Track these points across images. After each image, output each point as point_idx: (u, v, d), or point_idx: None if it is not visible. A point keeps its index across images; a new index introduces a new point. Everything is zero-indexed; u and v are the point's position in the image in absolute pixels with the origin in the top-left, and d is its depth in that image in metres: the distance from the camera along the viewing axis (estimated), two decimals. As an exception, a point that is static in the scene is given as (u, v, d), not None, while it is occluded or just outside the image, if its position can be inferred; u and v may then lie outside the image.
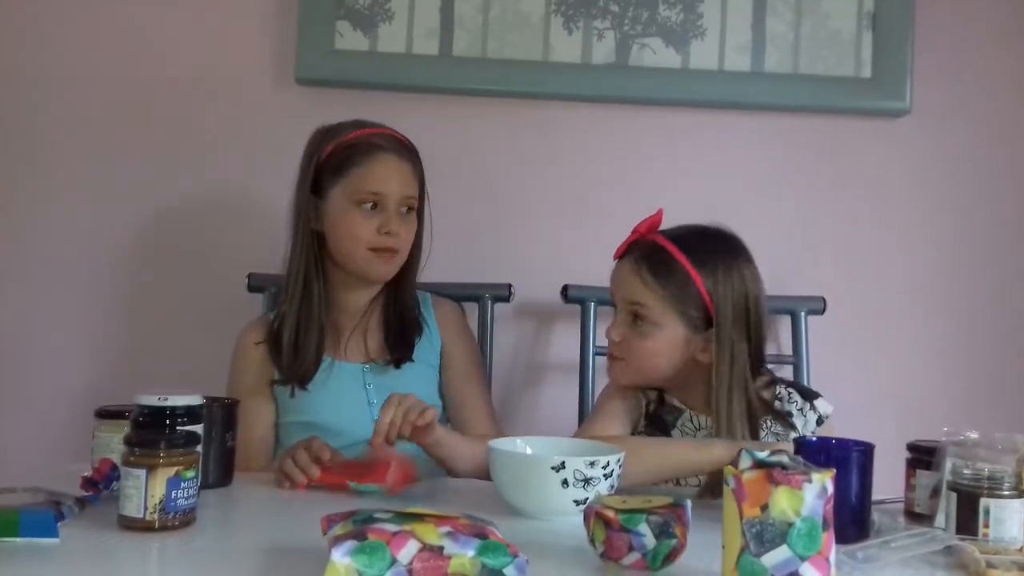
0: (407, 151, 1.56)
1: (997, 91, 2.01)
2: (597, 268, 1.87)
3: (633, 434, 1.45)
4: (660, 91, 1.94)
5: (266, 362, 1.54)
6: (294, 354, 1.51)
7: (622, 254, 1.46)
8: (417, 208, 1.58)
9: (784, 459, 0.86)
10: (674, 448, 1.34)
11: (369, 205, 1.51)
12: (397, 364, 1.54)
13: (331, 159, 1.54)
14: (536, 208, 1.97)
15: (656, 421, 1.46)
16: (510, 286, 1.82)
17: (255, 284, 1.80)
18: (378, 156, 1.52)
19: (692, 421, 1.45)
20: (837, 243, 1.99)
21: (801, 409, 1.46)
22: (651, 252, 1.41)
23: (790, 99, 1.95)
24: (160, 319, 1.93)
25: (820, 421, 1.46)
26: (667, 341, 1.41)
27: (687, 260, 1.40)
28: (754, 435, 1.38)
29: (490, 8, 1.92)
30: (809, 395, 1.49)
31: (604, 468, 1.12)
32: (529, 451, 1.23)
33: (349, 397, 1.53)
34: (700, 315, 1.40)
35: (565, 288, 1.82)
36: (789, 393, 1.48)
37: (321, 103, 1.92)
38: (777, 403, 1.46)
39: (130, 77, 1.93)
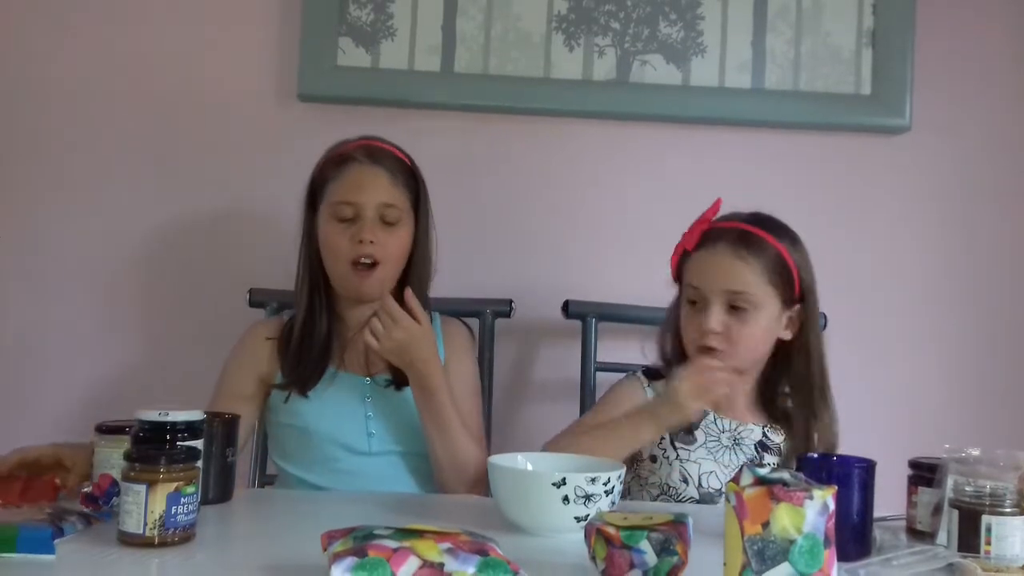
0: (386, 160, 1.54)
1: (997, 107, 2.02)
2: (598, 283, 1.88)
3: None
4: (661, 108, 1.94)
5: (271, 360, 1.54)
6: (297, 360, 1.52)
7: (700, 243, 1.47)
8: (416, 220, 1.56)
9: (785, 476, 0.86)
10: (612, 435, 1.38)
11: (346, 216, 1.50)
12: (399, 387, 1.53)
13: (318, 177, 1.56)
14: (537, 223, 1.97)
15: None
16: (511, 301, 1.82)
17: (256, 299, 1.80)
18: (349, 166, 1.52)
19: (716, 424, 1.47)
20: (838, 259, 1.99)
21: None
22: (743, 236, 1.44)
23: (790, 116, 1.96)
24: (161, 334, 1.93)
25: None
26: (767, 321, 1.44)
27: (774, 239, 1.45)
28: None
29: (492, 25, 1.93)
30: None
31: (605, 484, 1.12)
32: (530, 467, 1.23)
33: (347, 408, 1.53)
34: (790, 291, 1.45)
35: (566, 304, 1.82)
36: None
37: (323, 119, 1.93)
38: None
39: (133, 93, 1.94)
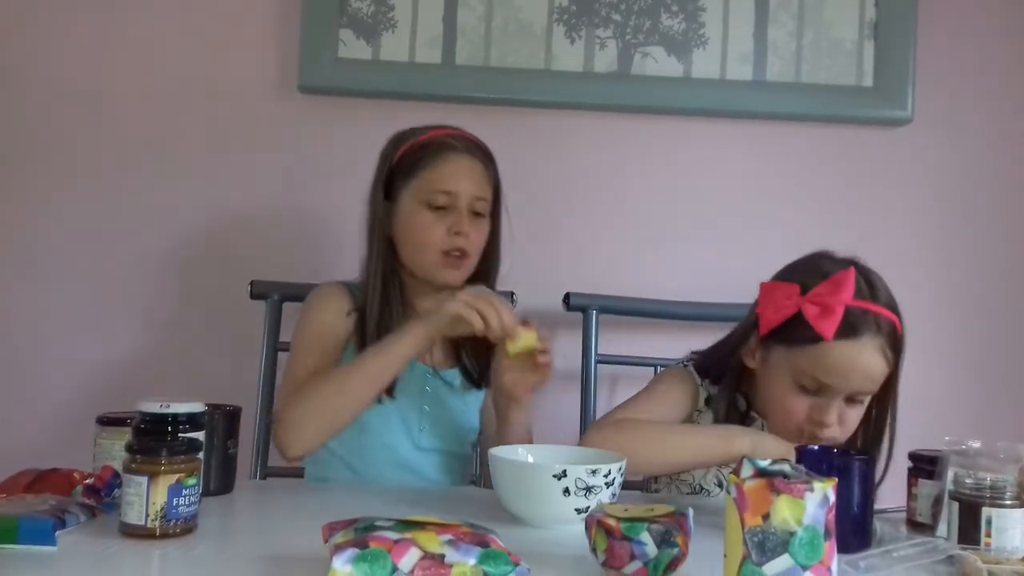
0: (480, 152, 1.52)
1: (998, 100, 2.02)
2: (599, 276, 1.88)
3: None
4: (662, 100, 1.94)
5: (347, 335, 1.48)
6: None
7: (845, 333, 1.27)
8: (492, 214, 1.54)
9: (786, 468, 0.86)
10: (695, 438, 1.30)
11: (439, 205, 1.46)
12: (479, 385, 1.52)
13: (402, 161, 1.50)
14: (538, 216, 1.97)
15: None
16: (512, 294, 1.82)
17: (257, 291, 1.80)
18: (448, 155, 1.48)
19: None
20: (838, 251, 1.99)
21: None
22: (890, 333, 1.29)
23: (792, 108, 1.95)
24: (162, 326, 1.93)
25: None
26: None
27: (901, 324, 1.31)
28: None
29: (493, 17, 1.93)
30: None
31: (606, 476, 1.12)
32: (531, 459, 1.23)
33: (406, 391, 1.47)
34: None
35: (567, 296, 1.82)
36: None
37: (324, 111, 1.93)
38: None
39: (133, 85, 1.94)
